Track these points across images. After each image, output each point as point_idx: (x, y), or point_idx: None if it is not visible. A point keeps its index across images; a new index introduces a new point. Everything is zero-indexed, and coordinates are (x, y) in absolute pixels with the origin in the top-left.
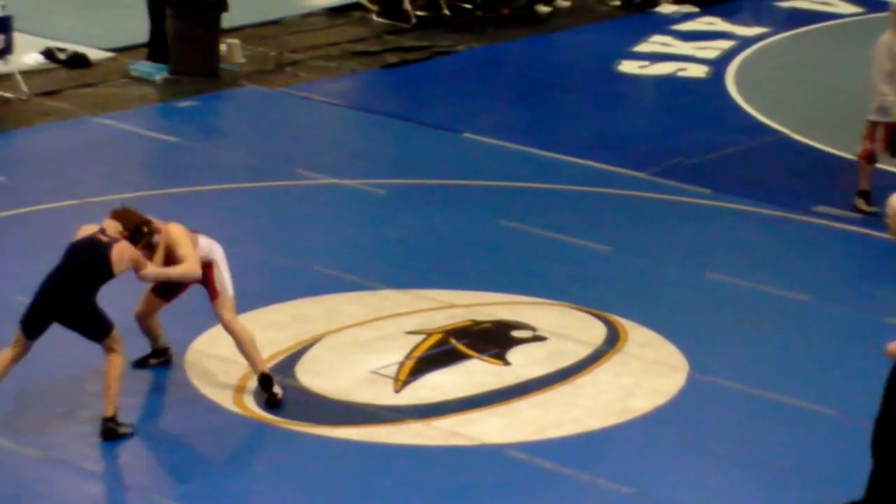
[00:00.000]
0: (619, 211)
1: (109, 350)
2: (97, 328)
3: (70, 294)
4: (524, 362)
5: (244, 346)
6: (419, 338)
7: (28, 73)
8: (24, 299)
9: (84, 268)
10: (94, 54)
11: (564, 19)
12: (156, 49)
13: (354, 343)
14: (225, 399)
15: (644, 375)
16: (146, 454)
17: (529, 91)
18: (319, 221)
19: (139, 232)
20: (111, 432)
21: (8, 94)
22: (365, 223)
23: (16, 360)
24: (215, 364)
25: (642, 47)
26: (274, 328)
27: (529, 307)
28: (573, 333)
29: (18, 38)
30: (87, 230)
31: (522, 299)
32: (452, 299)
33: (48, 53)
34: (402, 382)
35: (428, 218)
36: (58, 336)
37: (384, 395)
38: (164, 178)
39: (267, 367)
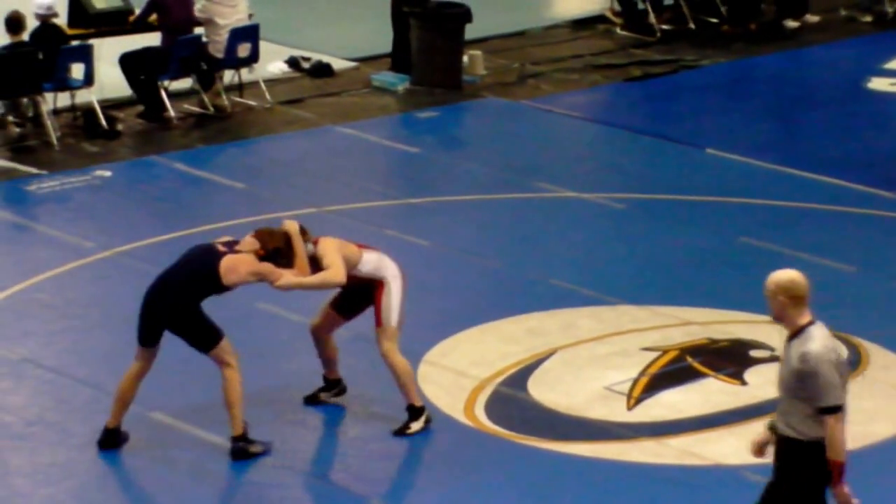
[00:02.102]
0: (866, 231)
1: (222, 363)
2: (201, 337)
3: (170, 297)
4: (762, 382)
5: (400, 379)
6: (654, 354)
7: (272, 82)
8: (266, 306)
9: (191, 274)
10: (337, 64)
11: (813, 35)
12: (399, 59)
13: (589, 358)
14: (456, 411)
15: (887, 399)
16: (374, 463)
17: (775, 107)
18: (558, 234)
19: (277, 254)
20: (241, 452)
21: (252, 102)
22: (603, 237)
23: (140, 374)
24: (448, 376)
25: (894, 64)
26: (508, 341)
27: (768, 326)
28: None
29: (264, 46)
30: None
31: (761, 318)
32: (690, 316)
33: (293, 62)
34: (635, 399)
35: (667, 233)
36: (286, 344)
37: (617, 412)
38: (404, 188)
39: (419, 401)
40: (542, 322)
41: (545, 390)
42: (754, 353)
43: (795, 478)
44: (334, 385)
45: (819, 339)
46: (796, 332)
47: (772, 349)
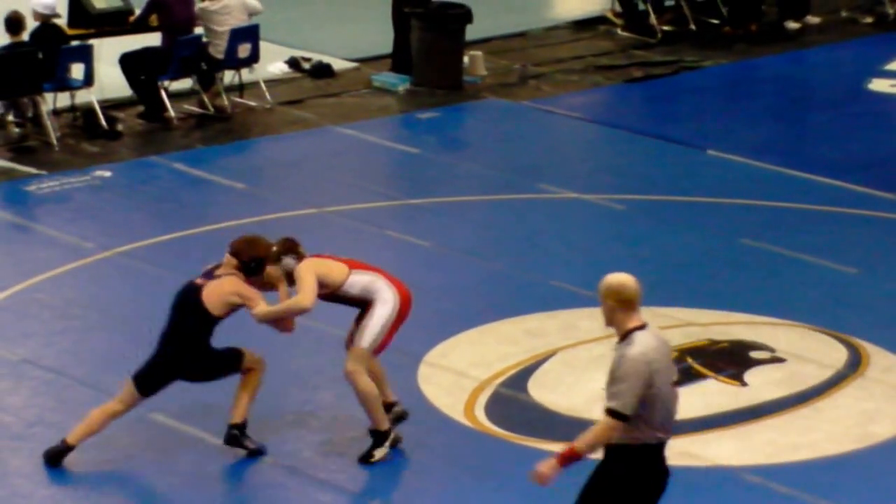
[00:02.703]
0: (868, 233)
1: (249, 371)
2: (225, 367)
3: (183, 350)
4: (762, 384)
5: (364, 402)
6: None
7: (272, 82)
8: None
9: (187, 319)
10: (337, 64)
11: (814, 36)
12: (399, 60)
13: (589, 359)
14: (456, 412)
15: (886, 401)
16: (375, 464)
17: (776, 109)
18: (558, 235)
19: (253, 263)
20: (235, 440)
21: (252, 103)
22: (604, 238)
23: (117, 415)
24: (447, 377)
25: (895, 66)
26: (508, 342)
27: (769, 328)
28: (813, 356)
29: (265, 47)
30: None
31: (762, 319)
32: (690, 317)
33: (293, 63)
34: None
35: (668, 234)
36: (286, 344)
37: None
38: (404, 189)
39: (386, 425)
40: (543, 323)
41: (545, 391)
42: (754, 355)
43: (608, 479)
44: (387, 409)
45: (639, 346)
46: (623, 337)
47: (772, 350)
